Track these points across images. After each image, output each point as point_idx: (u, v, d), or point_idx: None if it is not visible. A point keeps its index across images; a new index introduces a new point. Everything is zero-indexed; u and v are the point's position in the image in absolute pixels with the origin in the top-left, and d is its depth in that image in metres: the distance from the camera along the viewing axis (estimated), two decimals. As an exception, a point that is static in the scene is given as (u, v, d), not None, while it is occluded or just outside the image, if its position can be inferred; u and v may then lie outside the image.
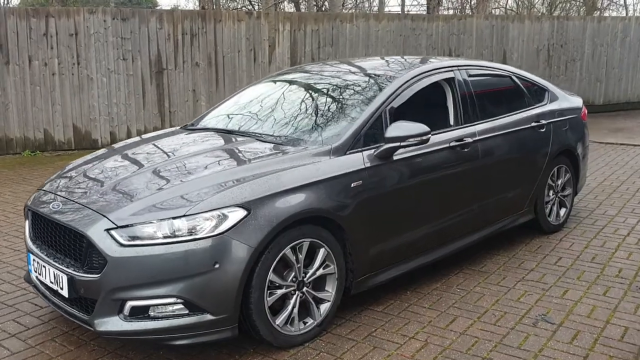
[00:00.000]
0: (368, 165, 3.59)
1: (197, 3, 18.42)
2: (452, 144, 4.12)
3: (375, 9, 23.40)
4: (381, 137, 3.67)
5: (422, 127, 3.67)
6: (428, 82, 4.22)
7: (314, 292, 3.39)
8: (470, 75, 4.54)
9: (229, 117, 4.37)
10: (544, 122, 4.99)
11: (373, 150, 3.65)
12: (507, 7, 23.41)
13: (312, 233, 3.31)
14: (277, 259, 3.16)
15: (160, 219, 2.96)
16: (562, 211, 5.39)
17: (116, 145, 4.25)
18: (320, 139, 3.64)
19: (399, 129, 3.64)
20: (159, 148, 3.92)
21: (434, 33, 12.09)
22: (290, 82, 4.56)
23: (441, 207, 4.10)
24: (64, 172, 3.85)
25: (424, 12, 20.34)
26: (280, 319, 3.23)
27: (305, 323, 3.38)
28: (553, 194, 5.24)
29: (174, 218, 2.95)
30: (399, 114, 3.92)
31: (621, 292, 4.05)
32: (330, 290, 3.47)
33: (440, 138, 4.09)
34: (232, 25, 10.40)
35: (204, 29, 10.21)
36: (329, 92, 4.20)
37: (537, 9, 23.32)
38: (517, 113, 4.81)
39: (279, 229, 3.11)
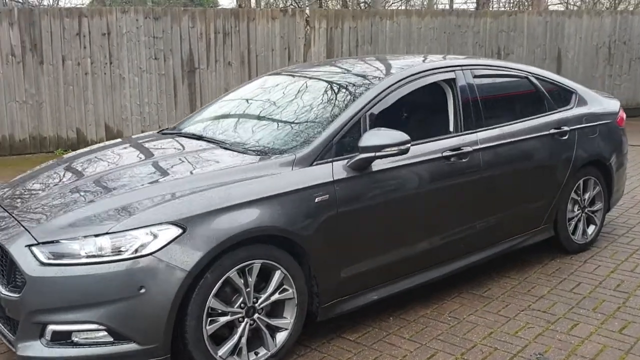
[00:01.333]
0: (339, 177, 3.20)
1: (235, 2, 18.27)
2: (445, 153, 3.65)
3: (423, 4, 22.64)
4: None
5: (400, 136, 3.25)
6: (422, 84, 3.77)
7: (267, 320, 3.03)
8: (476, 76, 4.05)
9: (206, 122, 4.06)
10: (566, 128, 4.42)
11: (346, 160, 3.26)
12: (568, 1, 22.12)
13: (264, 254, 2.96)
14: (219, 283, 2.82)
15: (85, 236, 2.69)
16: (591, 229, 4.79)
17: (71, 154, 3.97)
18: (285, 148, 3.28)
19: (374, 137, 3.24)
20: (113, 156, 3.64)
21: (481, 30, 11.43)
22: (275, 85, 4.20)
23: (432, 225, 3.66)
24: (13, 181, 3.64)
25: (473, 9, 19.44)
26: (223, 350, 2.89)
27: (257, 354, 3.03)
28: (578, 210, 4.66)
29: (96, 235, 2.67)
30: (384, 119, 3.51)
31: (642, 328, 3.49)
32: (289, 318, 3.11)
33: (432, 147, 3.64)
34: (266, 24, 10.14)
35: (237, 27, 9.99)
36: (307, 96, 3.82)
37: (602, 3, 21.93)
38: (532, 119, 4.28)
39: (220, 249, 2.77)
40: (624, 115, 5.10)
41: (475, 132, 3.88)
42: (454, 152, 3.70)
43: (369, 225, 3.34)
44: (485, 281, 4.18)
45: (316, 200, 3.10)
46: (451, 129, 3.86)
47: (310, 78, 4.04)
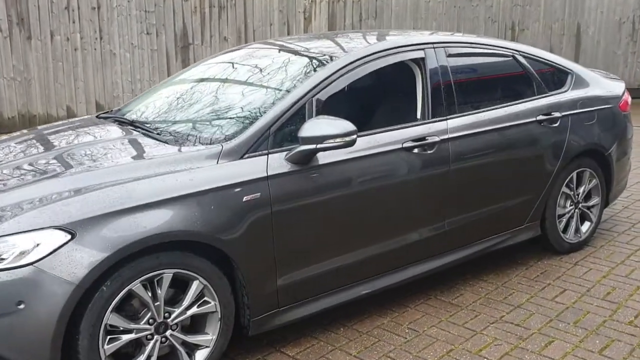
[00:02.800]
0: (275, 172, 2.78)
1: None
2: (406, 144, 3.20)
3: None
4: (302, 136, 2.85)
5: (345, 125, 2.81)
6: (384, 65, 3.31)
7: (183, 337, 2.65)
8: (450, 55, 3.57)
9: (149, 105, 3.64)
10: (557, 114, 3.92)
11: (285, 152, 2.84)
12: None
13: (178, 262, 2.57)
14: (119, 297, 2.44)
15: (-42, 242, 2.32)
16: (585, 226, 4.31)
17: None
18: (216, 138, 2.87)
19: (315, 126, 2.80)
20: (17, 146, 3.23)
21: (494, 4, 10.77)
22: (228, 64, 3.77)
23: (389, 226, 3.22)
24: None
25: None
26: (127, 371, 2.53)
27: (171, 374, 2.67)
28: (571, 205, 4.17)
29: None
30: (336, 106, 3.09)
31: (627, 348, 3.03)
32: (211, 334, 2.72)
33: (392, 137, 3.19)
34: (264, -3, 9.65)
35: (233, 1, 9.53)
36: (254, 78, 3.38)
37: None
38: (516, 104, 3.78)
39: (117, 258, 2.39)
40: (629, 99, 4.56)
41: (446, 119, 3.42)
42: (417, 143, 3.25)
43: (312, 227, 2.93)
44: (459, 285, 3.75)
45: (244, 200, 2.69)
46: (419, 116, 3.41)
47: (262, 57, 3.61)
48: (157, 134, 3.07)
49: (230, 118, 3.02)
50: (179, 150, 2.79)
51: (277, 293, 2.88)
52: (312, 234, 2.93)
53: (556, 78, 4.13)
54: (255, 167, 2.75)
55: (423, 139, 3.28)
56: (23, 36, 8.84)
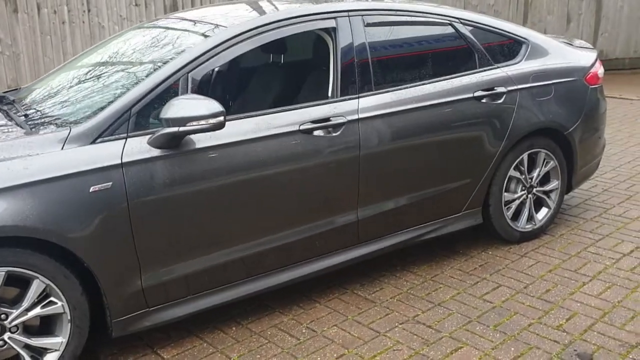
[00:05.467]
0: (133, 158, 2.49)
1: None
2: (304, 126, 2.86)
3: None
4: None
5: (211, 106, 2.50)
6: (281, 36, 2.96)
7: (26, 339, 2.43)
8: (369, 25, 3.18)
9: (44, 86, 3.38)
10: (502, 89, 3.50)
11: (149, 136, 2.54)
12: None
13: (11, 260, 2.32)
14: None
15: None
16: (542, 213, 3.89)
17: None
18: (63, 121, 2.59)
19: (177, 106, 2.49)
20: None
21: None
22: (125, 41, 3.43)
23: (280, 218, 2.90)
24: None
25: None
26: (-41, 379, 2.32)
27: (16, 380, 2.45)
28: (523, 190, 3.76)
29: None
30: (219, 85, 2.77)
31: (543, 357, 2.66)
32: (61, 336, 2.49)
33: (287, 119, 2.86)
34: (256, -36, 9.25)
35: (224, -31, 9.17)
36: (135, 56, 3.08)
37: None
38: (447, 79, 3.37)
39: None
40: (601, 70, 4.07)
41: (357, 97, 3.05)
42: (318, 125, 2.90)
43: (184, 221, 2.64)
44: (383, 278, 3.42)
45: (91, 190, 2.41)
46: (329, 94, 3.05)
47: (151, 36, 3.27)
48: (22, 116, 2.81)
49: (90, 100, 2.73)
50: (25, 134, 2.52)
51: (144, 293, 2.61)
52: (184, 229, 2.64)
53: (506, 49, 3.69)
54: (107, 153, 2.47)
55: (326, 119, 2.93)
56: (9, 9, 8.70)
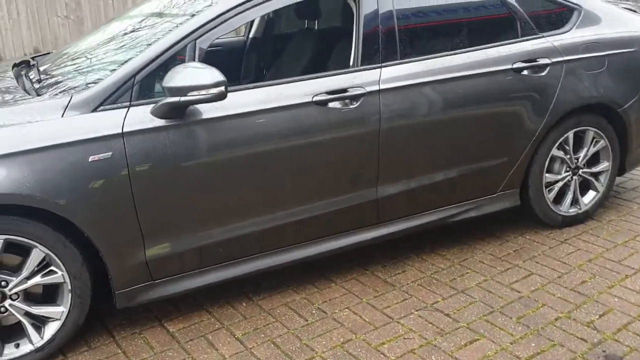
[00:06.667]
0: (135, 128, 2.42)
1: None
2: (317, 97, 2.70)
3: None
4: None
5: (211, 75, 2.38)
6: (301, 2, 2.78)
7: (26, 307, 2.43)
8: (400, -11, 2.96)
9: (63, 54, 3.33)
10: (545, 61, 3.20)
11: (153, 105, 2.46)
12: None
13: (8, 228, 2.31)
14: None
15: None
16: (589, 196, 3.59)
17: None
18: (67, 88, 2.54)
19: (179, 75, 2.39)
20: None
21: None
22: (138, 14, 3.32)
23: (292, 193, 2.77)
24: None
25: None
26: (-42, 343, 2.36)
27: (17, 346, 2.46)
28: (567, 171, 3.47)
29: None
30: (227, 52, 2.63)
31: (567, 357, 2.44)
32: (62, 306, 2.48)
33: (300, 89, 2.70)
34: None
35: None
36: (146, 26, 2.97)
37: None
38: (482, 48, 3.10)
39: None
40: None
41: (380, 67, 2.85)
42: (333, 96, 2.73)
43: (190, 192, 2.55)
44: (408, 260, 3.25)
45: (90, 160, 2.36)
46: (350, 63, 2.87)
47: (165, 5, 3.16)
48: (33, 82, 2.78)
49: (95, 67, 2.67)
50: (27, 101, 2.49)
51: (147, 265, 2.57)
52: (188, 201, 2.56)
53: (554, 16, 3.37)
54: (108, 122, 2.40)
55: (344, 90, 2.76)
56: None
